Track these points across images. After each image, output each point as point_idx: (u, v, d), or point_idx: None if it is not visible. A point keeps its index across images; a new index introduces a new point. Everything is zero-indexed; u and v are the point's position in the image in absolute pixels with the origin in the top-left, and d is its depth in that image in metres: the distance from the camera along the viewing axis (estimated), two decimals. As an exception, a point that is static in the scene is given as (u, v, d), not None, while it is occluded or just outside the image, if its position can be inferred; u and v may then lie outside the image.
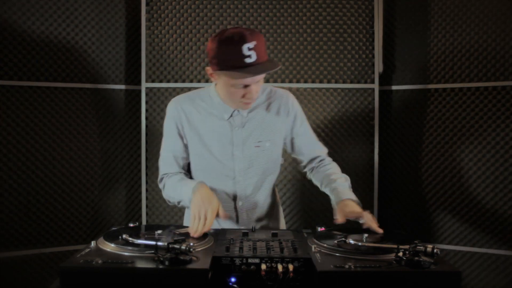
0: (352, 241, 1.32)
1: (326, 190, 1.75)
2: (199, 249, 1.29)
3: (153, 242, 1.24)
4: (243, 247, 1.31)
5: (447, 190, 2.58)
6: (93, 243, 1.30)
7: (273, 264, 1.21)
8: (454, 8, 2.52)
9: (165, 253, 1.16)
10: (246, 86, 1.54)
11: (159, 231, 1.39)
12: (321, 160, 1.85)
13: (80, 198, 2.63)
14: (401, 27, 2.70)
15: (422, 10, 2.61)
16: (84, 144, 2.62)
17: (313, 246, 1.32)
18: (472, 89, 2.50)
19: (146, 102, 2.67)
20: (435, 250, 1.17)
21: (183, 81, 2.66)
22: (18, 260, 2.48)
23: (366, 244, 1.30)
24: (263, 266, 1.20)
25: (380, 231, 1.48)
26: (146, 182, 2.70)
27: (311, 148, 1.84)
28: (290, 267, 1.19)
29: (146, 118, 2.67)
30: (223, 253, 1.26)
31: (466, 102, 2.52)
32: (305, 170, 1.89)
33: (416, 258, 1.16)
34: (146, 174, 2.69)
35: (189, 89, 2.63)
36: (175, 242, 1.18)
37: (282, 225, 1.92)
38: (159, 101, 2.67)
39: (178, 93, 2.64)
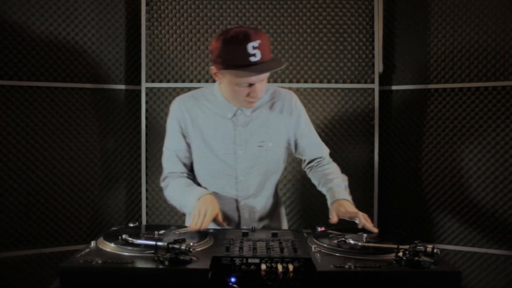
0: (352, 241, 1.32)
1: (323, 190, 1.76)
2: (199, 249, 1.29)
3: (153, 242, 1.24)
4: (243, 247, 1.31)
5: (447, 190, 2.58)
6: (93, 243, 1.30)
7: (273, 264, 1.21)
8: (454, 8, 2.52)
9: (165, 253, 1.16)
10: (250, 84, 1.55)
11: (161, 231, 1.39)
12: (321, 160, 1.85)
13: (80, 198, 2.63)
14: (401, 27, 2.70)
15: (422, 10, 2.61)
16: (84, 144, 2.62)
17: (313, 246, 1.32)
18: (472, 89, 2.50)
19: (146, 102, 2.67)
20: (435, 250, 1.17)
21: (183, 81, 2.66)
22: (18, 260, 2.48)
23: (366, 244, 1.30)
24: (263, 266, 1.20)
25: (375, 230, 1.49)
26: (146, 182, 2.70)
27: (315, 148, 1.85)
28: (290, 267, 1.19)
29: (146, 118, 2.67)
30: (223, 253, 1.26)
31: (466, 102, 2.52)
32: (305, 169, 1.91)
33: (416, 258, 1.16)
34: (146, 174, 2.69)
35: (189, 89, 2.63)
36: (175, 242, 1.18)
37: (284, 225, 1.92)
38: (159, 101, 2.67)
39: (178, 93, 2.65)
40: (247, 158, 1.70)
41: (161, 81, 2.67)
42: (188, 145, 1.73)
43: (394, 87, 2.72)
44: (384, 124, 2.73)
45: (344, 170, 1.82)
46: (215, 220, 1.57)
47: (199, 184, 1.76)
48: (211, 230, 1.53)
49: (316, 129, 1.90)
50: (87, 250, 1.27)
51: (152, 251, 1.20)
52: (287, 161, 1.86)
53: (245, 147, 1.69)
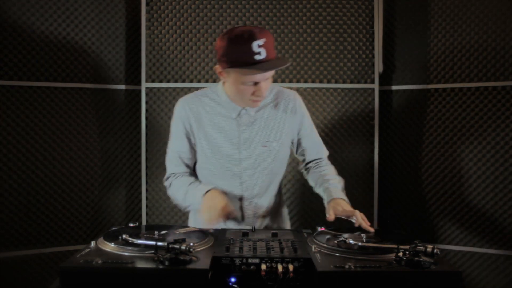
0: (352, 241, 1.32)
1: (320, 190, 1.77)
2: (199, 249, 1.29)
3: (153, 242, 1.24)
4: (243, 247, 1.31)
5: (447, 190, 2.58)
6: (93, 243, 1.30)
7: (273, 264, 1.21)
8: (454, 8, 2.52)
9: (165, 253, 1.16)
10: (255, 83, 1.55)
11: (164, 231, 1.40)
12: (319, 161, 1.86)
13: (80, 198, 2.63)
14: (401, 27, 2.70)
15: (422, 10, 2.61)
16: (84, 144, 2.62)
17: (313, 246, 1.32)
18: (472, 89, 2.50)
19: (146, 102, 2.67)
20: (435, 250, 1.17)
21: (183, 81, 2.66)
22: (18, 260, 2.48)
23: (366, 244, 1.30)
24: (263, 266, 1.20)
25: (372, 230, 1.50)
26: (146, 182, 2.70)
27: (316, 149, 1.86)
28: (290, 267, 1.19)
29: (146, 118, 2.67)
30: (223, 253, 1.26)
31: (466, 102, 2.52)
32: (302, 170, 1.91)
33: (416, 258, 1.16)
34: (146, 174, 2.69)
35: (189, 89, 2.64)
36: (175, 242, 1.18)
37: (287, 225, 1.93)
38: (159, 101, 2.67)
39: (178, 93, 2.65)
40: (252, 158, 1.70)
41: (161, 81, 2.67)
42: (191, 147, 1.74)
43: (394, 87, 2.72)
44: (384, 124, 2.73)
45: (344, 170, 1.83)
46: (225, 212, 1.58)
47: None
48: (211, 230, 1.53)
49: (316, 129, 1.90)
50: (87, 250, 1.27)
51: (152, 251, 1.20)
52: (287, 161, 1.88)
53: (250, 147, 1.69)
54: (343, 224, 1.58)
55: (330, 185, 1.72)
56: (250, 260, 1.23)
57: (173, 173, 1.77)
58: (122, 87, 2.70)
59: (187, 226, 1.57)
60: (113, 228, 1.49)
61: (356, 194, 2.67)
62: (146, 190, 2.70)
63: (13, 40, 2.43)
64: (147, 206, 2.71)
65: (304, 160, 1.88)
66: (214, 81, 2.66)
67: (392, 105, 2.73)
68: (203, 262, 1.17)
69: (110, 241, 1.30)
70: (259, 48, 1.47)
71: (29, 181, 2.50)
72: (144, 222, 2.70)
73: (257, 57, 1.47)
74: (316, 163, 1.86)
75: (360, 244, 1.30)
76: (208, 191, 1.63)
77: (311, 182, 1.85)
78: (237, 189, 1.72)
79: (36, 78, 2.49)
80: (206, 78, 2.66)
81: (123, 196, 2.74)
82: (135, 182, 2.75)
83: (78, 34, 2.57)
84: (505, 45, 2.41)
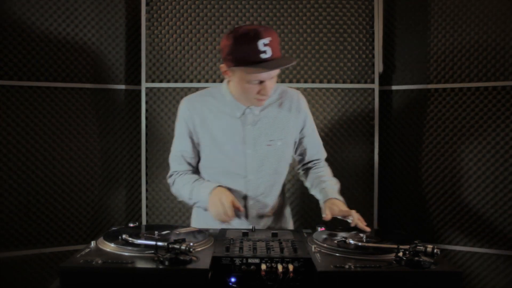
0: (352, 241, 1.32)
1: (316, 191, 1.78)
2: (199, 249, 1.29)
3: (153, 242, 1.24)
4: (243, 247, 1.31)
5: (447, 190, 2.58)
6: (93, 243, 1.30)
7: (273, 264, 1.21)
8: (454, 8, 2.52)
9: (165, 253, 1.16)
10: (261, 82, 1.56)
11: (164, 231, 1.40)
12: (317, 162, 1.87)
13: (80, 198, 2.63)
14: (401, 27, 2.70)
15: (422, 10, 2.61)
16: (84, 144, 2.62)
17: (313, 246, 1.32)
18: (472, 89, 2.50)
19: (146, 102, 2.67)
20: (435, 250, 1.17)
21: (183, 81, 2.66)
22: (18, 260, 2.48)
23: (366, 244, 1.30)
24: (263, 266, 1.20)
25: (368, 229, 1.51)
26: (146, 182, 2.70)
27: (315, 150, 1.87)
28: (290, 267, 1.19)
29: (146, 118, 2.67)
30: (223, 253, 1.26)
31: (466, 102, 2.52)
32: (299, 170, 1.92)
33: (416, 258, 1.16)
34: (146, 174, 2.69)
35: (189, 89, 2.64)
36: (175, 242, 1.18)
37: (290, 224, 1.94)
38: (159, 101, 2.67)
39: (178, 93, 2.65)
40: (257, 157, 1.70)
41: (161, 81, 2.67)
42: (194, 146, 1.75)
43: (394, 87, 2.72)
44: (384, 124, 2.73)
45: (344, 170, 1.83)
46: (234, 207, 1.60)
47: None
48: (211, 231, 1.53)
49: (316, 128, 1.90)
50: (87, 250, 1.27)
51: (152, 251, 1.20)
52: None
53: (254, 146, 1.70)
54: (341, 224, 1.59)
55: (326, 185, 1.73)
56: (250, 260, 1.23)
57: (176, 171, 1.79)
58: (122, 87, 2.70)
59: (187, 226, 1.57)
60: (113, 228, 1.49)
61: (356, 194, 2.67)
62: (146, 190, 2.70)
63: (13, 40, 2.43)
64: (147, 206, 2.71)
65: (302, 160, 1.89)
66: (214, 81, 2.67)
67: (392, 105, 2.73)
68: (203, 262, 1.17)
69: (110, 241, 1.30)
70: (265, 47, 1.48)
71: (29, 181, 2.50)
72: (144, 222, 2.70)
73: (263, 56, 1.48)
74: (314, 163, 1.87)
75: (360, 244, 1.30)
76: (214, 188, 1.64)
77: (307, 183, 1.86)
78: (241, 188, 1.72)
79: (36, 78, 2.49)
80: (206, 78, 2.66)
81: (123, 196, 2.74)
82: (135, 182, 2.75)
83: (78, 34, 2.57)
84: (505, 45, 2.41)
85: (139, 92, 2.69)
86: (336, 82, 2.67)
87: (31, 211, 2.50)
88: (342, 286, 1.12)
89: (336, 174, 1.85)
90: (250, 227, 1.58)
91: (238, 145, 1.69)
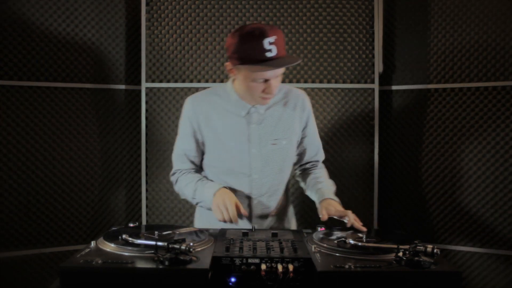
0: (352, 241, 1.32)
1: (311, 192, 1.79)
2: (199, 249, 1.29)
3: (153, 242, 1.24)
4: (243, 247, 1.31)
5: (447, 190, 2.58)
6: (93, 243, 1.30)
7: (273, 264, 1.21)
8: (454, 8, 2.52)
9: (165, 253, 1.16)
10: (266, 80, 1.56)
11: (164, 231, 1.39)
12: (315, 163, 1.88)
13: (80, 198, 2.63)
14: (401, 27, 2.70)
15: (422, 10, 2.61)
16: (84, 144, 2.62)
17: (313, 246, 1.32)
18: (472, 89, 2.50)
19: (146, 102, 2.67)
20: (435, 250, 1.17)
21: (183, 81, 2.66)
22: (18, 260, 2.48)
23: (366, 244, 1.30)
24: (263, 266, 1.20)
25: (364, 229, 1.52)
26: (146, 182, 2.70)
27: (315, 151, 1.88)
28: (290, 267, 1.19)
29: (146, 118, 2.67)
30: (223, 253, 1.26)
31: (466, 102, 2.52)
32: (297, 170, 1.92)
33: (416, 258, 1.16)
34: (146, 174, 2.69)
35: (189, 89, 2.64)
36: (175, 242, 1.18)
37: (293, 224, 1.94)
38: (159, 101, 2.67)
39: (178, 93, 2.65)
40: (261, 156, 1.70)
41: (161, 81, 2.67)
42: (198, 146, 1.75)
43: (394, 87, 2.72)
44: (384, 124, 2.73)
45: (344, 170, 1.84)
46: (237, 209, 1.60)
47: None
48: (211, 230, 1.53)
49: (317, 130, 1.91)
50: (87, 250, 1.27)
51: (152, 251, 1.20)
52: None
53: (259, 145, 1.70)
54: (337, 225, 1.59)
55: (323, 186, 1.74)
56: (250, 260, 1.23)
57: (179, 169, 1.79)
58: (122, 87, 2.70)
59: (187, 226, 1.57)
60: (113, 228, 1.50)
61: (356, 194, 2.67)
62: (146, 190, 2.70)
63: (13, 40, 2.43)
64: (147, 206, 2.71)
65: (300, 161, 1.89)
66: (214, 81, 2.67)
67: (392, 105, 2.73)
68: (203, 262, 1.17)
69: (110, 241, 1.30)
70: (270, 45, 1.48)
71: (29, 181, 2.50)
72: (144, 222, 2.70)
73: (268, 54, 1.48)
74: (312, 164, 1.88)
75: (360, 244, 1.30)
76: (218, 189, 1.64)
77: (302, 184, 1.87)
78: (245, 188, 1.72)
79: (36, 78, 2.49)
80: (206, 78, 2.66)
81: (123, 196, 2.74)
82: (135, 182, 2.75)
83: (78, 34, 2.57)
84: (505, 45, 2.41)
85: (139, 92, 2.69)
86: (336, 82, 2.67)
87: (31, 211, 2.50)
88: (342, 286, 1.12)
89: (336, 174, 1.86)
90: (251, 227, 1.58)
91: (243, 144, 1.69)
